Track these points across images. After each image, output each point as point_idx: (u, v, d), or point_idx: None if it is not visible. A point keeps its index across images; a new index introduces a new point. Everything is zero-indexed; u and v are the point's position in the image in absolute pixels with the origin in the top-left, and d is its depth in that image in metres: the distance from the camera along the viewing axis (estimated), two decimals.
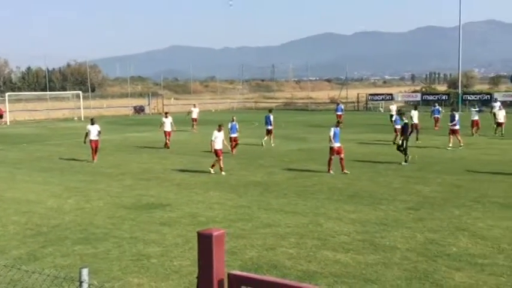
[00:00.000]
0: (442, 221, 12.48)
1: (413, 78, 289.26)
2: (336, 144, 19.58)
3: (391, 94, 71.37)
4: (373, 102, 69.19)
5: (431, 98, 67.61)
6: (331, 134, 19.61)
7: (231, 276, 3.14)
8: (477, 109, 33.27)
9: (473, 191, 15.87)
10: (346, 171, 19.27)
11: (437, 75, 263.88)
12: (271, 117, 29.08)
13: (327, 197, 15.40)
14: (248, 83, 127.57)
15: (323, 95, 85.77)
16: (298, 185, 17.43)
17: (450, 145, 26.38)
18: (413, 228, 11.87)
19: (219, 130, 20.43)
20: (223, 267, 3.25)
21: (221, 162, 19.88)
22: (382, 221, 12.48)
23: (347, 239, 11.08)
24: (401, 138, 22.05)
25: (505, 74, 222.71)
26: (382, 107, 65.85)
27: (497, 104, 36.65)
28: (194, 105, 41.94)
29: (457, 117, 26.98)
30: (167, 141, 28.27)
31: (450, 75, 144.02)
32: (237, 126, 26.04)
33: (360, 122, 44.59)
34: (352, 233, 11.57)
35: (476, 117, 32.53)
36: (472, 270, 9.09)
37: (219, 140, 20.16)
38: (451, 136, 26.71)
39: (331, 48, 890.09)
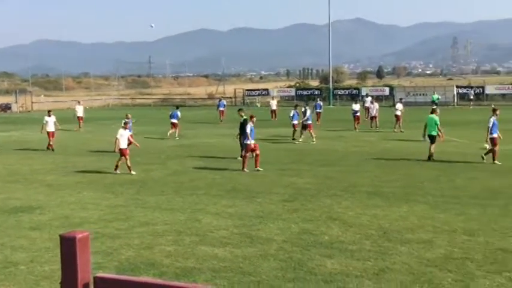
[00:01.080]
0: (315, 211, 12.98)
1: (288, 73, 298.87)
2: (252, 141, 19.24)
3: (267, 89, 73.16)
4: (250, 97, 70.51)
5: (305, 93, 70.32)
6: (248, 130, 19.23)
7: (97, 280, 3.02)
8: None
9: (344, 181, 16.68)
10: (259, 168, 18.88)
11: (310, 71, 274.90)
12: (178, 113, 31.14)
13: (205, 193, 15.42)
14: (124, 79, 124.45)
15: (201, 90, 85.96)
16: (176, 181, 17.30)
17: (300, 140, 27.36)
18: (288, 219, 12.23)
19: (125, 128, 19.56)
20: (89, 270, 3.12)
21: (128, 161, 18.87)
22: (258, 214, 12.74)
23: (225, 234, 11.17)
24: (238, 134, 21.60)
25: (371, 69, 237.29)
26: (258, 102, 67.32)
27: (369, 99, 38.82)
28: (79, 102, 39.97)
29: (308, 113, 28.04)
30: (50, 142, 25.89)
31: (322, 70, 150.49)
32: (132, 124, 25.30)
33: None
34: (230, 227, 11.68)
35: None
36: (343, 256, 9.55)
37: (124, 138, 19.23)
38: (303, 131, 27.67)
39: (209, 44, 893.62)
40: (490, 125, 19.79)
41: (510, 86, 62.95)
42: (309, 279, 8.50)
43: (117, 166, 18.94)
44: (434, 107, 25.55)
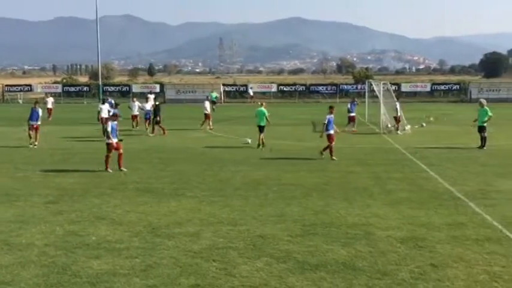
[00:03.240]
0: (82, 211, 12.48)
1: (54, 68, 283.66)
2: (115, 140, 17.81)
3: (30, 85, 68.57)
4: (11, 93, 65.33)
5: (72, 89, 67.53)
6: (109, 129, 17.73)
7: None
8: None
9: (113, 179, 16.35)
10: (123, 169, 17.77)
11: (79, 67, 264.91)
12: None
13: None
14: None
15: None
16: None
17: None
18: (52, 222, 11.55)
19: None
20: None
21: None
22: (18, 219, 11.79)
23: None
24: None
25: (143, 66, 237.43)
26: (21, 99, 62.84)
27: (152, 97, 38.37)
28: None
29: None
30: None
31: (92, 66, 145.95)
32: None
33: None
34: None
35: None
36: (110, 256, 9.32)
37: None
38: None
39: None
40: (326, 122, 20.47)
41: (270, 84, 69.15)
42: (74, 283, 8.13)
43: None
44: (263, 101, 26.21)
